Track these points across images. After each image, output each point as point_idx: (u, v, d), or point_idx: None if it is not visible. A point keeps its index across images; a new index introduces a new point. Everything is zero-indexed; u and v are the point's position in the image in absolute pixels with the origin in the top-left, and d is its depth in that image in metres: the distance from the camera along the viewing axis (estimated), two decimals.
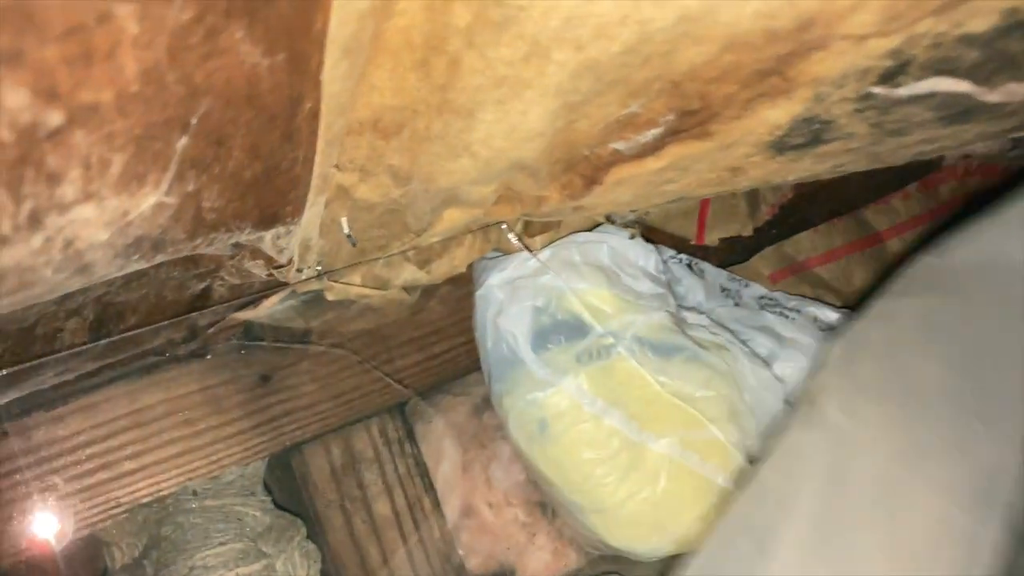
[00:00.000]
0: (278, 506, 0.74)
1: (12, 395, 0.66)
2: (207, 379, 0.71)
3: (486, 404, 0.84)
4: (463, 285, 0.81)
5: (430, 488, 0.79)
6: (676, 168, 0.50)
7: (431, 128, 0.46)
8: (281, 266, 0.55)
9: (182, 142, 0.32)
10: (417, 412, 0.82)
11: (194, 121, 0.31)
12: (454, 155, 0.48)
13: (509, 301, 0.72)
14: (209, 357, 0.72)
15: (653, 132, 0.47)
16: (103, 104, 0.28)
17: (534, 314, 0.72)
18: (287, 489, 0.76)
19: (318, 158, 0.42)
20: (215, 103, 0.31)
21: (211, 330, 0.66)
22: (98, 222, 0.32)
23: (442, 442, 0.81)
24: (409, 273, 0.68)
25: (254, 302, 0.65)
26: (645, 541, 0.73)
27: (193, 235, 0.39)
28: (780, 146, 0.47)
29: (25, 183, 0.28)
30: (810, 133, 0.45)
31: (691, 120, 0.45)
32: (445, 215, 0.59)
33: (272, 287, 0.63)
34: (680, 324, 0.76)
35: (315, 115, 0.38)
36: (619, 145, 0.49)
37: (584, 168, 0.52)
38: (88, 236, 0.32)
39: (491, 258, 0.76)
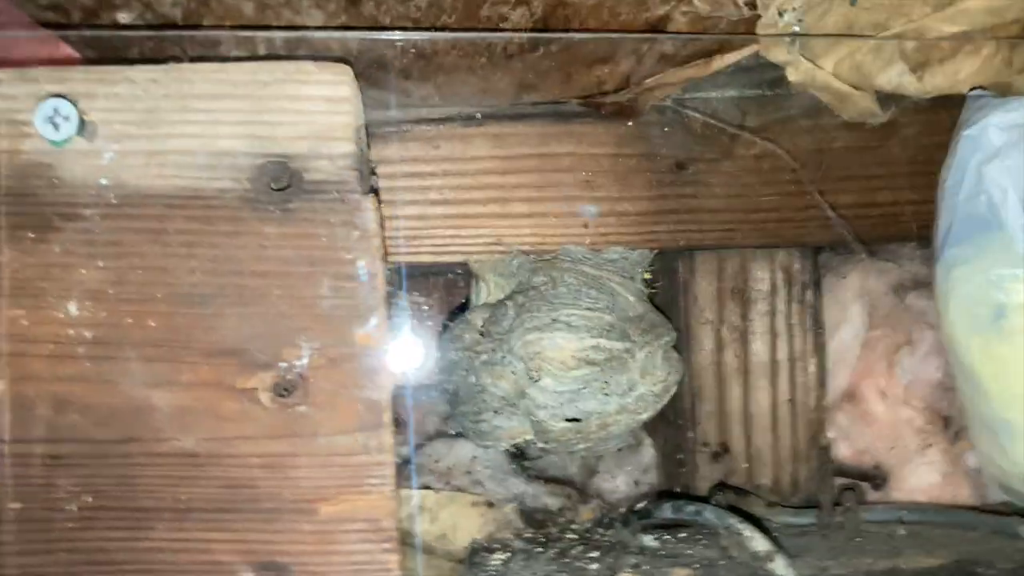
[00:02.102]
0: (653, 303, 0.67)
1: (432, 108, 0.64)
2: (622, 146, 0.64)
3: (914, 284, 0.69)
4: (938, 132, 0.65)
5: (820, 350, 0.67)
6: None
7: None
8: None
9: None
10: (832, 264, 0.70)
11: None
12: None
13: (1009, 148, 0.56)
14: (630, 124, 0.64)
15: None
16: None
17: None
18: (665, 291, 0.68)
19: None
20: None
21: (648, 82, 0.58)
22: None
23: (850, 305, 0.68)
24: (896, 72, 0.55)
25: (707, 57, 0.56)
26: None
27: None
28: None
29: None
30: None
31: None
32: None
33: (733, 35, 0.53)
34: None
35: None
36: None
37: None
38: None
39: (993, 96, 0.60)
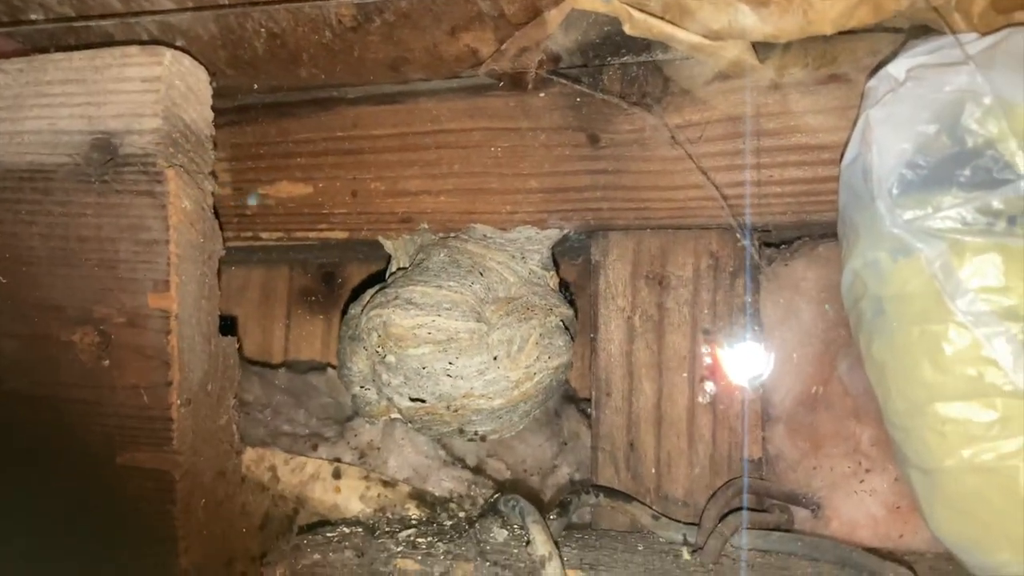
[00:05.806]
0: (566, 287, 0.62)
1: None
2: (532, 120, 0.61)
3: None
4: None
5: (751, 347, 0.57)
6: None
7: None
8: None
9: None
10: (771, 253, 0.60)
11: None
12: None
13: (899, 97, 0.45)
14: (542, 95, 0.60)
15: None
16: None
17: (929, 125, 0.43)
18: (576, 274, 0.63)
19: None
20: None
21: (504, 47, 0.55)
22: None
23: (795, 298, 0.57)
24: (743, 17, 0.46)
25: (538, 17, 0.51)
26: (971, 541, 0.43)
27: None
28: None
29: None
30: None
31: None
32: None
33: None
34: None
35: None
36: None
37: None
38: None
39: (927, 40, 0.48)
